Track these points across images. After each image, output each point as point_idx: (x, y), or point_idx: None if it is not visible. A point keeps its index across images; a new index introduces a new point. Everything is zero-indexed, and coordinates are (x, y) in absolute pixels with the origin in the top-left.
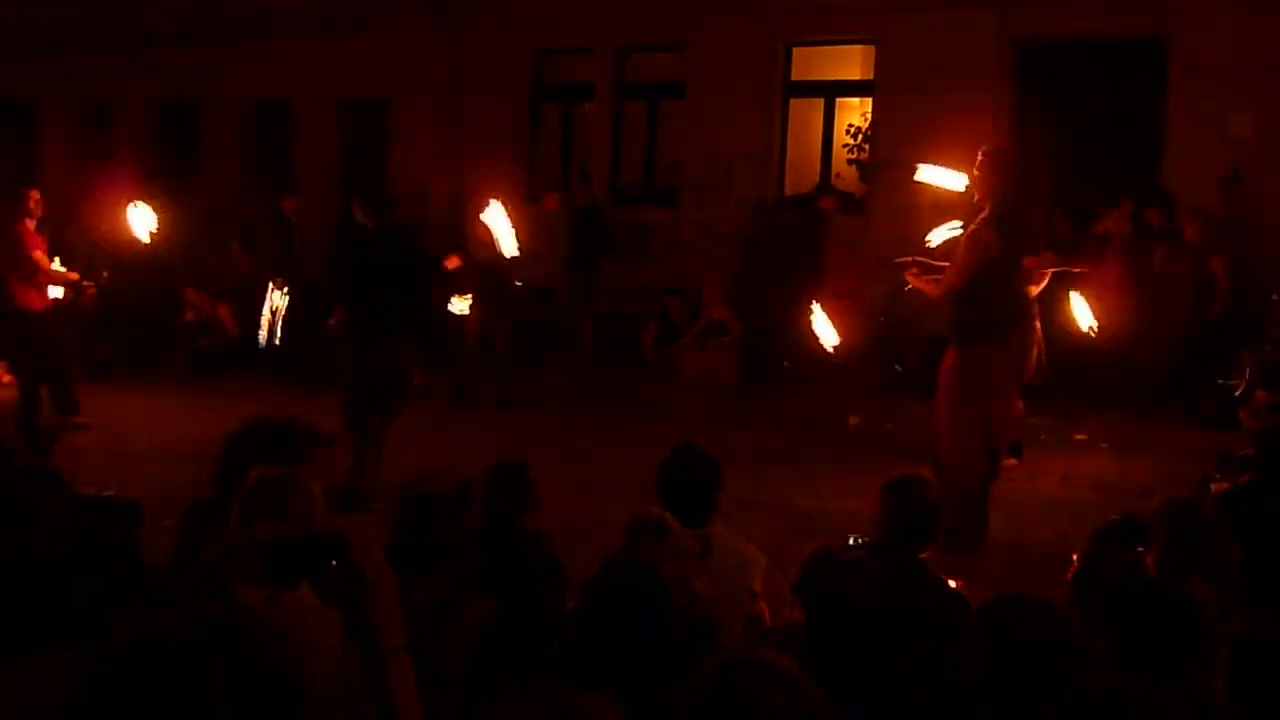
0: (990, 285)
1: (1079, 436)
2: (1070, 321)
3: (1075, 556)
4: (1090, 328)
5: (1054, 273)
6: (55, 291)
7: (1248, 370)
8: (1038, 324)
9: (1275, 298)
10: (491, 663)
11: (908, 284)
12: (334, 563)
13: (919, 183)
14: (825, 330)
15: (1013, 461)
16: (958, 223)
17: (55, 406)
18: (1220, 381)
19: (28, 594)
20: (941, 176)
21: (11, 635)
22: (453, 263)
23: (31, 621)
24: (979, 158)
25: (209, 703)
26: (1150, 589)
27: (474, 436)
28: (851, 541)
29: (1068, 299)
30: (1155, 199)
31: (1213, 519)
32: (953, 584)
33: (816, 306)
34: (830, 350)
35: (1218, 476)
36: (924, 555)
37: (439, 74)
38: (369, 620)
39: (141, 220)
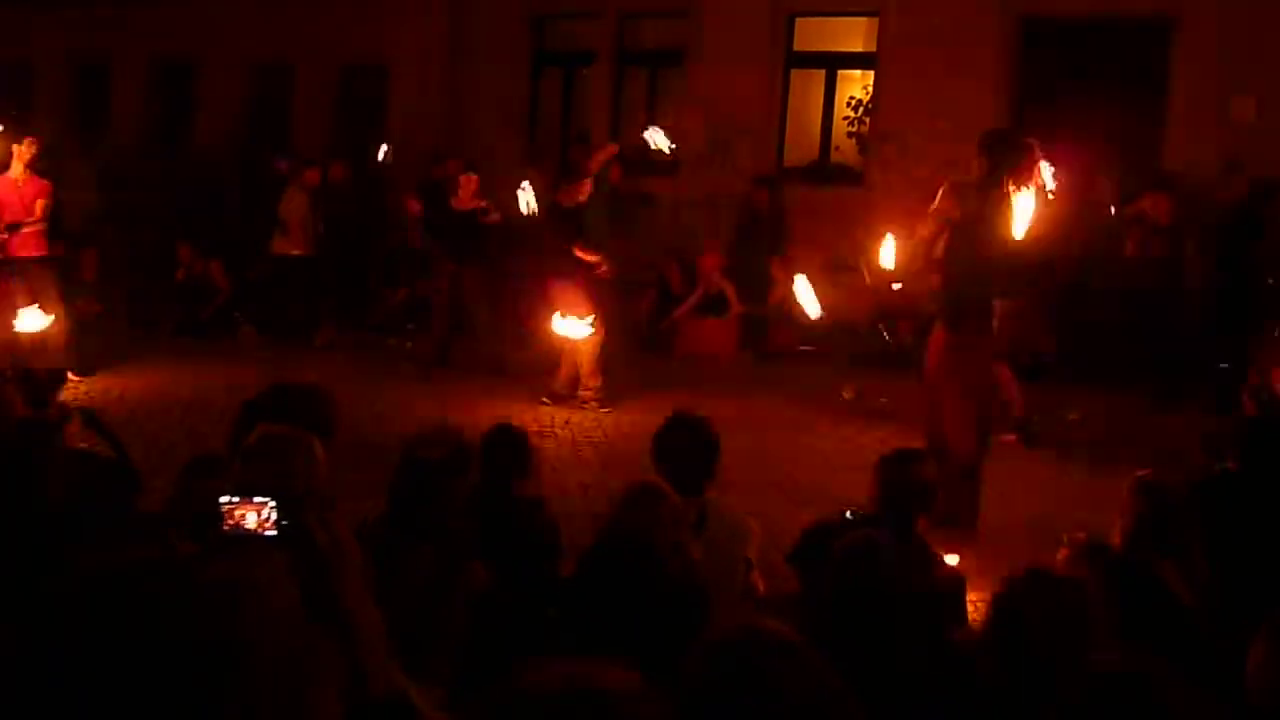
0: (986, 268)
1: (1073, 416)
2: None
3: (1065, 538)
4: (818, 316)
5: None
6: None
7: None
8: None
9: None
10: (488, 628)
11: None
12: (284, 523)
13: (917, 157)
14: (809, 300)
15: (1011, 438)
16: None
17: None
18: (1223, 366)
19: (30, 546)
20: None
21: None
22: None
23: (34, 575)
24: (978, 138)
25: (140, 652)
26: (1119, 565)
27: (467, 402)
28: (847, 514)
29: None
30: (1157, 183)
31: (1181, 501)
32: (949, 559)
33: (800, 277)
34: (813, 320)
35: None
36: (919, 531)
37: (439, 37)
38: (325, 586)
39: None
